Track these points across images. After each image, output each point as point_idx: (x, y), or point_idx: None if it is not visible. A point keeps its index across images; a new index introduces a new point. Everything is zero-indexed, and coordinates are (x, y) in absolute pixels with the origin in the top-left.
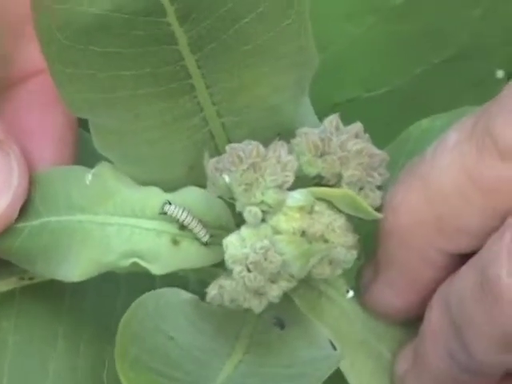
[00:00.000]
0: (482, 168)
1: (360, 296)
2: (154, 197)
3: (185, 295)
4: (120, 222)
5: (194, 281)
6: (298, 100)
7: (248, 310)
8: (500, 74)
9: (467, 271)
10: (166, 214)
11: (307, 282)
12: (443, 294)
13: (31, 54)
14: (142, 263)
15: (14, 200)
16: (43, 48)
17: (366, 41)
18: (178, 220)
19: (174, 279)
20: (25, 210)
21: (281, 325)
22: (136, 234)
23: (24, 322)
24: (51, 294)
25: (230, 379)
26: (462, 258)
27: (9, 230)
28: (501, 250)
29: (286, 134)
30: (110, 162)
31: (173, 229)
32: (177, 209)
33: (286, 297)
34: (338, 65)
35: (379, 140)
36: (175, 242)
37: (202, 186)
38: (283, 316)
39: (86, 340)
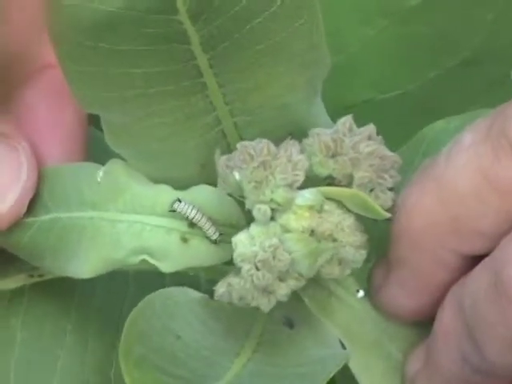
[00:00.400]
0: (497, 169)
1: (371, 297)
2: (165, 194)
3: (194, 294)
4: (130, 219)
5: (205, 280)
6: (311, 100)
7: (258, 309)
8: None
9: (481, 272)
10: (175, 211)
11: (317, 282)
12: (456, 295)
13: (42, 50)
14: (152, 260)
15: (22, 195)
16: (54, 45)
17: (379, 44)
18: (188, 217)
19: (184, 278)
20: (33, 205)
21: (290, 324)
22: (146, 231)
23: (32, 319)
24: (60, 292)
25: (238, 378)
26: (476, 260)
27: (17, 225)
28: None
29: (299, 134)
30: (122, 159)
31: (183, 226)
32: (186, 206)
33: (296, 296)
34: (352, 67)
35: (392, 142)
36: (185, 240)
37: (214, 184)
38: (293, 315)
39: (94, 337)
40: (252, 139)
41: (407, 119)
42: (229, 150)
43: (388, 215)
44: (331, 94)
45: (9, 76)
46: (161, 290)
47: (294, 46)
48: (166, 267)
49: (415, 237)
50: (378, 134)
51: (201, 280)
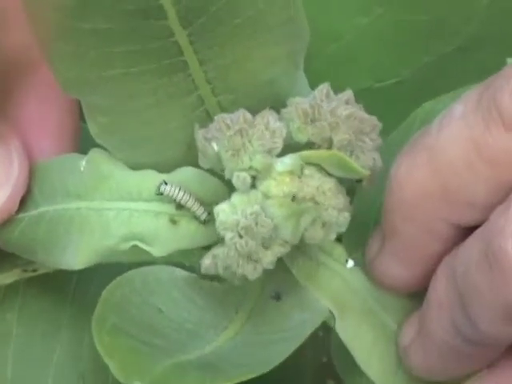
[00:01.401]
0: (488, 139)
1: (366, 268)
2: (150, 178)
3: (181, 273)
4: (117, 207)
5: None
6: (292, 74)
7: (249, 286)
8: (510, 61)
9: (472, 242)
10: (162, 194)
11: (305, 253)
12: (448, 265)
13: (31, 47)
14: (142, 245)
15: (13, 192)
16: (34, 27)
17: (375, 31)
18: (175, 199)
19: (179, 267)
20: (24, 200)
21: (277, 297)
22: (134, 217)
23: (28, 314)
24: (55, 286)
25: (221, 348)
26: (468, 230)
27: (8, 221)
28: (506, 222)
29: (281, 108)
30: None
31: (171, 209)
32: (173, 188)
33: (286, 269)
34: (349, 56)
35: (390, 129)
36: (174, 222)
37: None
38: (281, 288)
39: (89, 330)
40: None
41: (404, 106)
42: None
43: (367, 172)
44: (329, 83)
45: (1, 75)
46: (141, 268)
47: (271, 19)
48: (156, 251)
49: (407, 207)
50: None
51: (196, 270)
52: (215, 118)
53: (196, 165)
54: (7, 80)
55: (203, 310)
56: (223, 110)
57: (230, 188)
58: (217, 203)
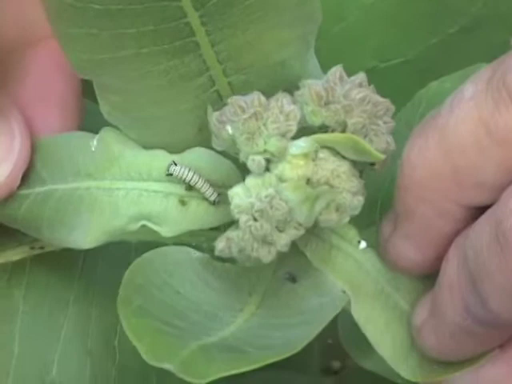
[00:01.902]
0: (498, 119)
1: (379, 250)
2: (160, 159)
3: (195, 254)
4: (127, 186)
5: (208, 250)
6: (304, 56)
7: (262, 268)
8: None
9: (483, 224)
10: (171, 175)
11: (318, 236)
12: (460, 247)
13: (35, 21)
14: (151, 225)
15: (16, 167)
16: (46, 9)
17: (380, 12)
18: (185, 180)
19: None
20: (27, 176)
21: (293, 279)
22: (144, 197)
23: (34, 291)
24: (62, 263)
25: (240, 331)
26: (480, 211)
27: (12, 197)
28: None
29: (294, 90)
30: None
31: (180, 190)
32: (183, 169)
33: (298, 251)
34: (354, 36)
35: (398, 110)
36: (183, 203)
37: (212, 147)
38: (296, 271)
39: (97, 307)
40: None
41: (410, 87)
42: None
43: (382, 156)
44: (333, 64)
45: (2, 48)
46: (160, 248)
47: (283, 1)
48: (165, 231)
49: (419, 188)
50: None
51: (204, 250)
52: (229, 100)
53: (207, 146)
54: (8, 56)
55: (218, 291)
56: (234, 90)
57: (242, 170)
58: (228, 185)
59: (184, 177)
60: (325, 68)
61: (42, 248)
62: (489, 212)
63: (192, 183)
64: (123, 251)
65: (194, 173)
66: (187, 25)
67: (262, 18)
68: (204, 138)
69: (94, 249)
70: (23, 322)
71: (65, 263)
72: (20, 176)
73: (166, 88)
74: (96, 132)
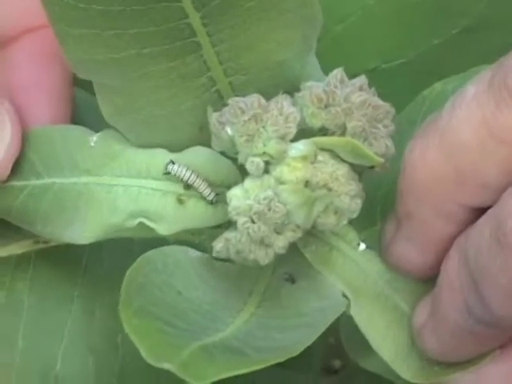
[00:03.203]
0: (499, 119)
1: (382, 253)
2: (159, 157)
3: (195, 253)
4: (126, 183)
5: (210, 247)
6: (305, 57)
7: (261, 268)
8: None
9: (484, 224)
10: (169, 173)
11: (318, 237)
12: (460, 247)
13: (26, 11)
14: (148, 223)
15: (6, 156)
16: (46, 8)
17: (381, 12)
18: (182, 179)
19: (190, 245)
20: (21, 168)
21: (292, 280)
22: (142, 195)
23: (38, 285)
24: (66, 258)
25: (240, 331)
26: (481, 213)
27: (7, 189)
28: None
29: (294, 92)
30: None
31: (179, 188)
32: (180, 168)
33: (298, 252)
34: (355, 36)
35: (397, 110)
36: (181, 202)
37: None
38: (295, 272)
39: (101, 303)
40: None
41: (411, 87)
42: None
43: (381, 160)
44: (334, 64)
45: None
46: (161, 248)
47: (284, 2)
48: (162, 229)
49: (421, 190)
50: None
51: (206, 247)
52: (229, 101)
53: (208, 145)
54: (2, 43)
55: (218, 291)
56: (235, 90)
57: (241, 170)
58: (228, 184)
59: (181, 175)
60: (326, 68)
61: (45, 243)
62: (489, 212)
63: (190, 182)
64: (127, 247)
65: (192, 172)
66: (188, 25)
67: (263, 20)
68: (205, 137)
69: (98, 244)
70: (28, 315)
71: (69, 258)
72: (10, 166)
73: (167, 88)
74: (90, 122)
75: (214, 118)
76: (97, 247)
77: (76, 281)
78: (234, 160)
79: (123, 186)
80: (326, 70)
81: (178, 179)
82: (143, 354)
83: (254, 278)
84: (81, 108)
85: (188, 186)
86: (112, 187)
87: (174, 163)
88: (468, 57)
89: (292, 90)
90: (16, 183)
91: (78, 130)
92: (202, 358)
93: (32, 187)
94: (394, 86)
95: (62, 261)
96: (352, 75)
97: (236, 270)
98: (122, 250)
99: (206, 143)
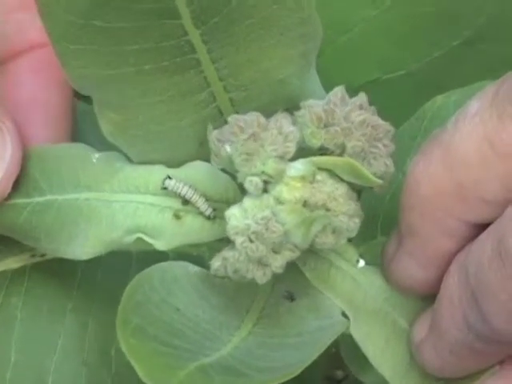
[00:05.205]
0: (502, 135)
1: (384, 270)
2: (157, 172)
3: (194, 268)
4: (124, 199)
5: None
6: (305, 74)
7: (259, 285)
8: None
9: (485, 239)
10: (166, 189)
11: (317, 254)
12: (461, 262)
13: (27, 30)
14: (146, 238)
15: (7, 174)
16: (45, 23)
17: (383, 24)
18: (180, 194)
19: (188, 258)
20: (24, 186)
21: (291, 297)
22: (140, 210)
23: (33, 299)
24: (62, 271)
25: (238, 350)
26: (482, 229)
27: (10, 207)
28: None
29: (294, 110)
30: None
31: (176, 204)
32: (177, 183)
33: (296, 269)
34: (357, 48)
35: (398, 122)
36: (178, 217)
37: None
38: (293, 289)
39: (95, 316)
40: None
41: (412, 99)
42: None
43: (379, 182)
44: (335, 75)
45: None
46: (159, 264)
47: (284, 20)
48: (160, 245)
49: (423, 204)
50: (383, 112)
51: (205, 261)
52: (229, 119)
53: (208, 161)
54: (2, 61)
55: (216, 308)
56: (235, 106)
57: (241, 187)
58: (226, 199)
59: (178, 191)
60: (328, 79)
61: (43, 256)
62: (491, 227)
63: (187, 197)
64: (123, 261)
65: (190, 187)
66: (188, 42)
67: (263, 37)
68: (205, 152)
69: (93, 258)
70: (20, 330)
71: (64, 272)
72: (11, 184)
73: (167, 104)
74: (93, 136)
75: (213, 135)
76: (93, 260)
77: (70, 294)
78: (234, 176)
79: (122, 201)
80: (328, 82)
81: (175, 194)
82: (140, 375)
83: (252, 295)
84: (84, 121)
85: (185, 202)
86: (111, 203)
87: (171, 178)
88: (469, 69)
89: (292, 106)
90: (19, 201)
91: (80, 148)
92: (199, 379)
93: (35, 204)
94: (395, 97)
95: (57, 273)
96: (353, 87)
97: (234, 286)
98: (118, 264)
99: (207, 158)
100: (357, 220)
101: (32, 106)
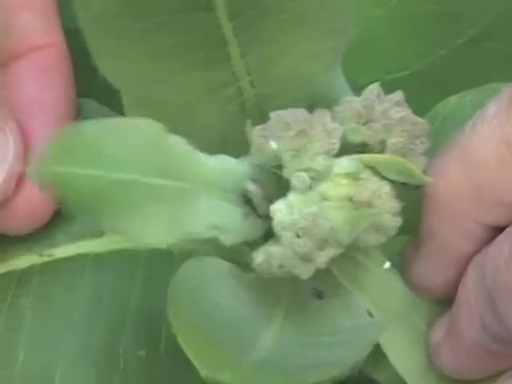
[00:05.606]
0: None
1: (404, 272)
2: (235, 172)
3: (224, 264)
4: (209, 194)
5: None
6: (332, 70)
7: (285, 281)
8: None
9: (503, 241)
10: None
11: (344, 253)
12: (478, 264)
13: (30, 31)
14: (219, 234)
15: (9, 175)
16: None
17: (388, 22)
18: (248, 193)
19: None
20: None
21: (319, 295)
22: (221, 208)
23: (42, 299)
24: (71, 271)
25: (274, 344)
26: (499, 231)
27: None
28: None
29: (320, 106)
30: None
31: (243, 201)
32: (256, 187)
33: (325, 268)
34: (361, 47)
35: None
36: (245, 215)
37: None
38: (320, 286)
39: (103, 317)
40: None
41: (417, 98)
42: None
43: (430, 179)
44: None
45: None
46: (197, 259)
47: (319, 15)
48: (228, 240)
49: (441, 208)
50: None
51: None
52: (271, 115)
53: None
54: (5, 63)
55: (247, 303)
56: (259, 104)
57: (279, 183)
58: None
59: (255, 193)
60: None
61: (50, 256)
62: (508, 230)
63: (250, 195)
64: (130, 260)
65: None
66: (220, 35)
67: (294, 31)
68: (226, 151)
69: (101, 258)
70: (29, 330)
71: (73, 271)
72: (13, 185)
73: (195, 100)
74: None
75: (256, 131)
76: (102, 260)
77: (78, 294)
78: (270, 172)
79: (206, 196)
80: None
81: (244, 192)
82: (198, 366)
83: (278, 290)
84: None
85: (249, 200)
86: (196, 195)
87: (253, 182)
88: (475, 67)
89: (318, 102)
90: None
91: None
92: (255, 373)
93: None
94: None
95: (66, 274)
96: (357, 86)
97: (260, 282)
98: (126, 265)
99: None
100: (399, 219)
101: (35, 106)
